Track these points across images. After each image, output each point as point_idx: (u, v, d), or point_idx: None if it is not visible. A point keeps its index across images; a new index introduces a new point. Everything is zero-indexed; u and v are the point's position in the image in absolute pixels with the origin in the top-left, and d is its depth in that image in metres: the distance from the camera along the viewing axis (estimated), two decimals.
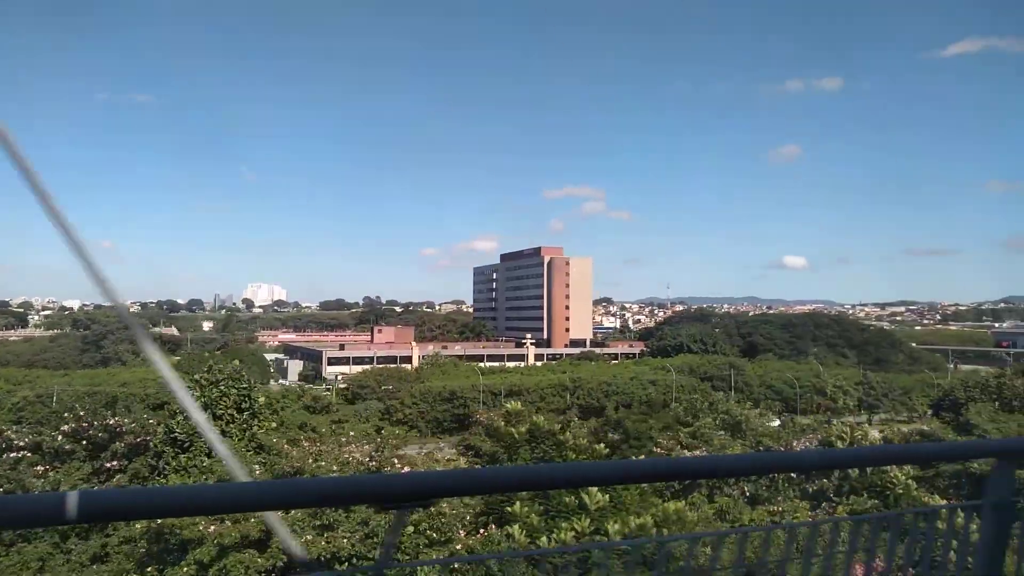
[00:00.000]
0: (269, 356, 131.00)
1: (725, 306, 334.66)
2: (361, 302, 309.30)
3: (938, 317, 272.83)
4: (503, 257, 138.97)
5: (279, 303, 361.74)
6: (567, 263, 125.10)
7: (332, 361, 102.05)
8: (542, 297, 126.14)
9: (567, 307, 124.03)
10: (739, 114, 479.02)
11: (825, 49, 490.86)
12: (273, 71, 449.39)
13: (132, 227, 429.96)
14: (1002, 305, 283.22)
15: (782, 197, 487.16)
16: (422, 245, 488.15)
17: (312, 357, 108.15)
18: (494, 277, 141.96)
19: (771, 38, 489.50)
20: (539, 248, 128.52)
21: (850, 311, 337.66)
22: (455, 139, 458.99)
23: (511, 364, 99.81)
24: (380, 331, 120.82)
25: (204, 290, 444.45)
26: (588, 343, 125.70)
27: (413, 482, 1.56)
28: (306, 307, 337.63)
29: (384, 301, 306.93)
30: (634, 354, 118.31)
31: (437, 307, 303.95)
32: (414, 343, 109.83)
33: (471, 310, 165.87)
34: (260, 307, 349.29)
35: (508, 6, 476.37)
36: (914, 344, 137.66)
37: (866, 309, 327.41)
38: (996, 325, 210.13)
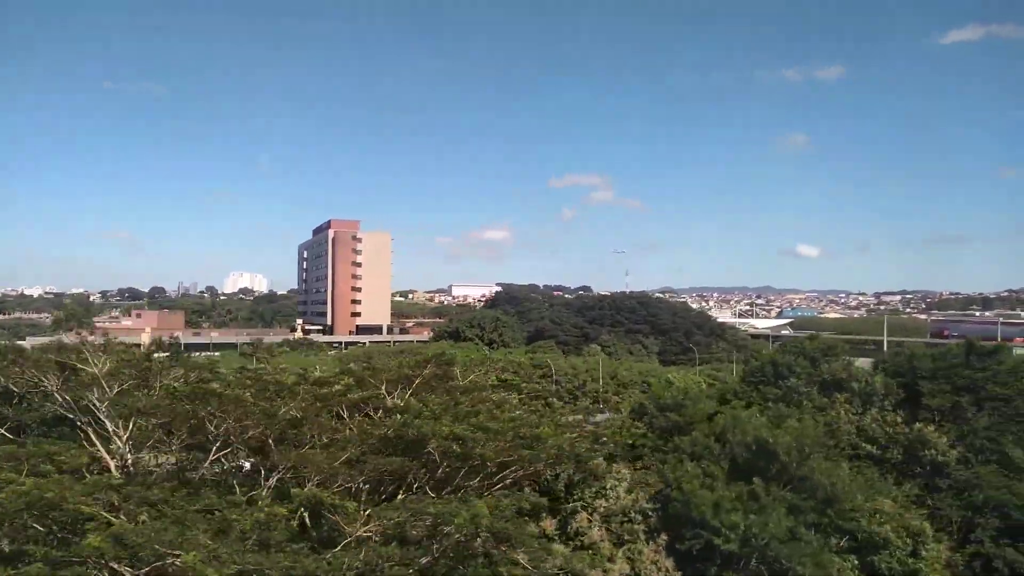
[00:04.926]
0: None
1: (735, 294, 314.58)
2: None
3: (923, 306, 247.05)
4: (314, 232, 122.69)
5: (244, 291, 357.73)
6: (354, 238, 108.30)
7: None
8: (326, 277, 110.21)
9: (355, 288, 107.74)
10: (742, 103, 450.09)
11: (825, 37, 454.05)
12: (273, 62, 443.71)
13: (145, 216, 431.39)
14: (1006, 293, 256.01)
15: (792, 185, 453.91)
16: (438, 233, 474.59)
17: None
18: (304, 255, 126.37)
19: (770, 25, 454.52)
20: (329, 221, 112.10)
21: (843, 299, 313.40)
22: (461, 128, 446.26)
23: None
24: (140, 316, 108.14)
25: (206, 278, 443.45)
26: (385, 329, 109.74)
27: None
28: (282, 294, 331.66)
29: None
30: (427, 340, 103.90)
31: (411, 295, 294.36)
32: (147, 329, 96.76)
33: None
34: (224, 295, 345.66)
35: None
36: (794, 332, 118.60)
37: (863, 297, 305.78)
38: (977, 314, 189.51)
